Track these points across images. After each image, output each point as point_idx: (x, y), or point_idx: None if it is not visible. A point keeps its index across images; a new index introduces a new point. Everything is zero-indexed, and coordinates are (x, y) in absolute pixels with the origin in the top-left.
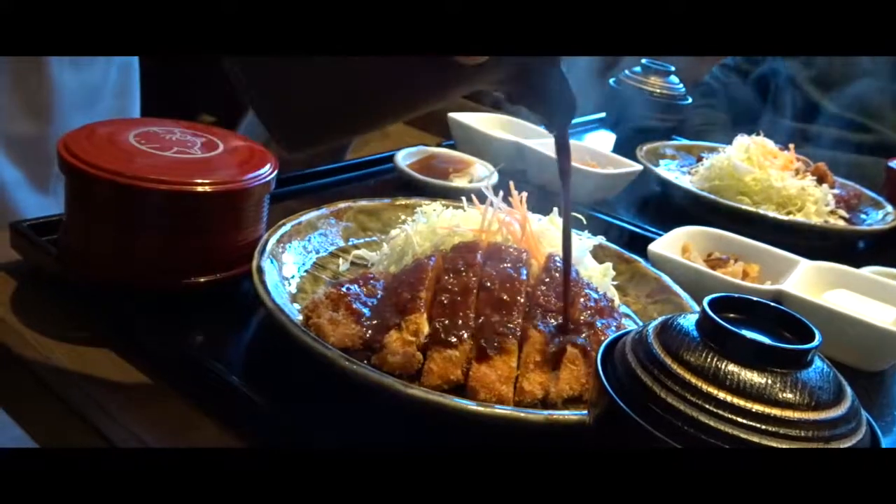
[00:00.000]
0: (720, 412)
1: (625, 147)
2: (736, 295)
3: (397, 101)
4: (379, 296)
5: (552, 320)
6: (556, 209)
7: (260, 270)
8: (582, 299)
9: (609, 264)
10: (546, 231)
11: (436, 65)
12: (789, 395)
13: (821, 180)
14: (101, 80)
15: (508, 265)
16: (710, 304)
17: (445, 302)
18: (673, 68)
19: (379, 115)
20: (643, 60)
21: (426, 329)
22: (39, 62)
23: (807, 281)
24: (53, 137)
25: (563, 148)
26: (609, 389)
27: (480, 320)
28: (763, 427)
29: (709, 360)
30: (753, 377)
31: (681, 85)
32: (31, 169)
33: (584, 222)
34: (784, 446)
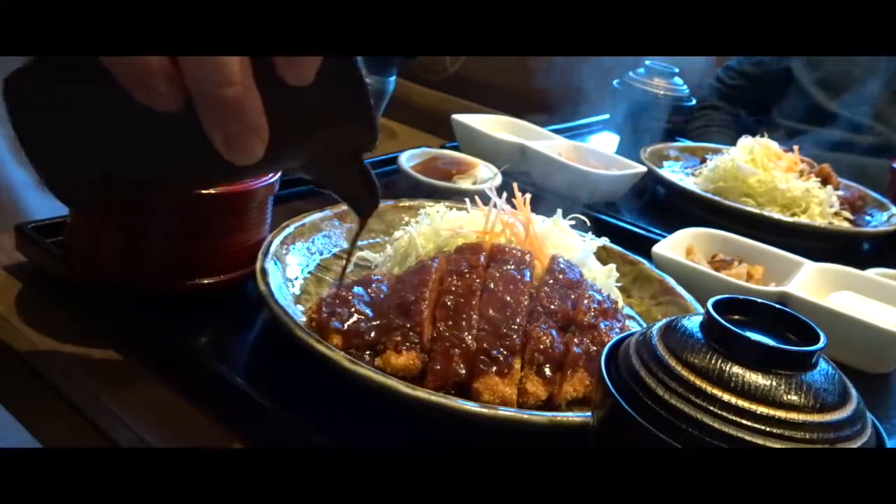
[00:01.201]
0: (724, 414)
1: (628, 149)
2: (740, 297)
3: (179, 178)
4: (382, 297)
5: (556, 322)
6: (559, 210)
7: (264, 272)
8: (586, 301)
9: (613, 266)
10: (550, 233)
11: (213, 154)
12: (794, 398)
13: (825, 182)
14: None
15: (512, 267)
16: (715, 305)
17: (449, 304)
18: (677, 70)
19: (154, 183)
20: (647, 62)
21: (430, 330)
22: None
23: (811, 283)
24: None
25: (357, 233)
26: (613, 391)
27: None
28: (767, 429)
29: (713, 361)
30: (758, 379)
31: (685, 86)
32: None
33: (588, 224)
34: (789, 448)
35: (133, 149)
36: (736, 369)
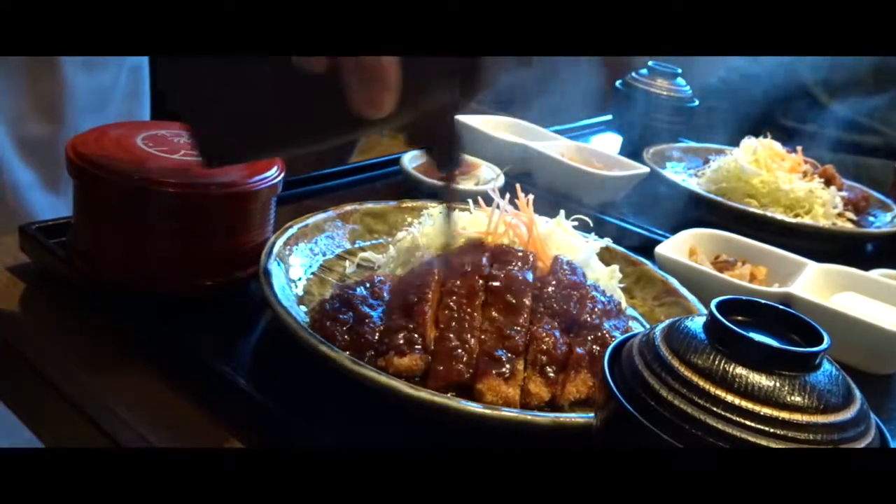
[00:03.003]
0: (728, 415)
1: (631, 149)
2: (743, 297)
3: (313, 135)
4: (385, 298)
5: (559, 323)
6: (562, 211)
7: (266, 273)
8: (589, 302)
9: (616, 267)
10: (553, 233)
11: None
12: (798, 399)
13: (829, 183)
14: (111, 83)
15: (515, 268)
16: (718, 306)
17: (452, 305)
18: (680, 70)
19: (292, 144)
20: (650, 62)
21: (432, 331)
22: (52, 63)
23: (815, 283)
24: (65, 139)
25: (450, 186)
26: (616, 392)
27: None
28: (771, 430)
29: (716, 362)
30: (761, 380)
31: (688, 87)
32: (43, 170)
33: (591, 225)
34: (792, 449)
35: (284, 113)
36: (739, 370)
